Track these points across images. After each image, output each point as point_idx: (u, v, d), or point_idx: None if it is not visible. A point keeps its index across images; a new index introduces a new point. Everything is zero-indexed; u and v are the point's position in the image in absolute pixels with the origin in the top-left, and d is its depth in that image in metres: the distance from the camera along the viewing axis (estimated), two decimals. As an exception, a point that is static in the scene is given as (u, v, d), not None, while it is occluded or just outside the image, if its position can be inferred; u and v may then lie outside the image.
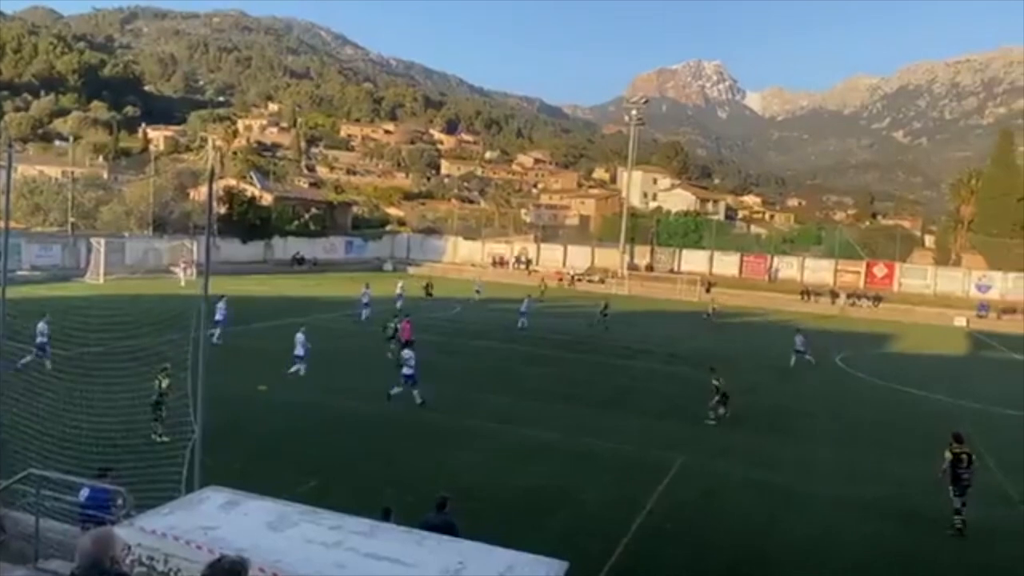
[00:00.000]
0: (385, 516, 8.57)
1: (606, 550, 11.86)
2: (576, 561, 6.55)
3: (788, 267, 69.17)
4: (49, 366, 18.71)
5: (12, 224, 36.97)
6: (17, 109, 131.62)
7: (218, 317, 26.93)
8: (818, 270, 67.91)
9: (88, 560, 3.93)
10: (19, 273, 40.67)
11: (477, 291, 49.40)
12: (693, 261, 71.22)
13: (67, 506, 9.62)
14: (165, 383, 15.81)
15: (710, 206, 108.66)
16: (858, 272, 66.39)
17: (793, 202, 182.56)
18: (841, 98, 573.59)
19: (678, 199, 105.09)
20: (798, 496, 15.17)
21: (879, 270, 66.07)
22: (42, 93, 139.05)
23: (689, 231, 77.68)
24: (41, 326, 20.76)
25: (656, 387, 25.28)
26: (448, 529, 8.82)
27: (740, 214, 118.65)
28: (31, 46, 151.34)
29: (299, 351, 22.71)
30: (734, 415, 20.73)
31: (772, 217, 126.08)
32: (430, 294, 44.59)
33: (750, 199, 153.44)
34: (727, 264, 70.73)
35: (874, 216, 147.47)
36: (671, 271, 69.64)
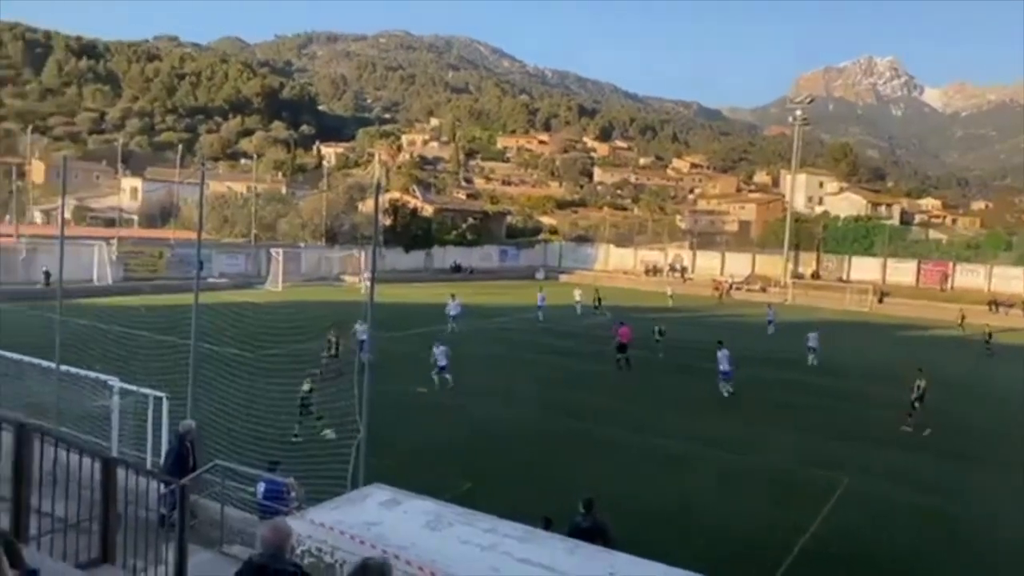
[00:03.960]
0: (546, 526, 8.54)
1: (766, 572, 11.34)
2: (733, 581, 6.31)
3: (973, 275, 63.40)
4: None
5: (204, 235, 40.62)
6: (210, 131, 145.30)
7: (453, 313, 34.06)
8: (1008, 279, 61.65)
9: (271, 548, 4.23)
10: (209, 280, 44.75)
11: (670, 296, 53.26)
12: (864, 269, 66.90)
13: (247, 496, 10.45)
14: (307, 387, 16.99)
15: (883, 210, 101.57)
16: (1058, 281, 59.71)
17: (978, 205, 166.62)
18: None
19: (847, 203, 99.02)
20: (979, 527, 13.82)
21: (1084, 279, 59.12)
22: (230, 116, 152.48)
23: (859, 237, 73.02)
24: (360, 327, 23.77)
25: (818, 402, 23.88)
26: (601, 532, 8.70)
27: (917, 219, 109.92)
28: (222, 73, 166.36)
29: (442, 361, 23.00)
30: (911, 439, 19.23)
31: (954, 221, 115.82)
32: (598, 306, 44.10)
33: (928, 202, 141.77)
34: (902, 272, 65.90)
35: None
36: (839, 280, 65.75)
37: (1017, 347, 40.97)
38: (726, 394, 23.31)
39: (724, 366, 23.62)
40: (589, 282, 63.34)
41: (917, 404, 20.45)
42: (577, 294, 45.63)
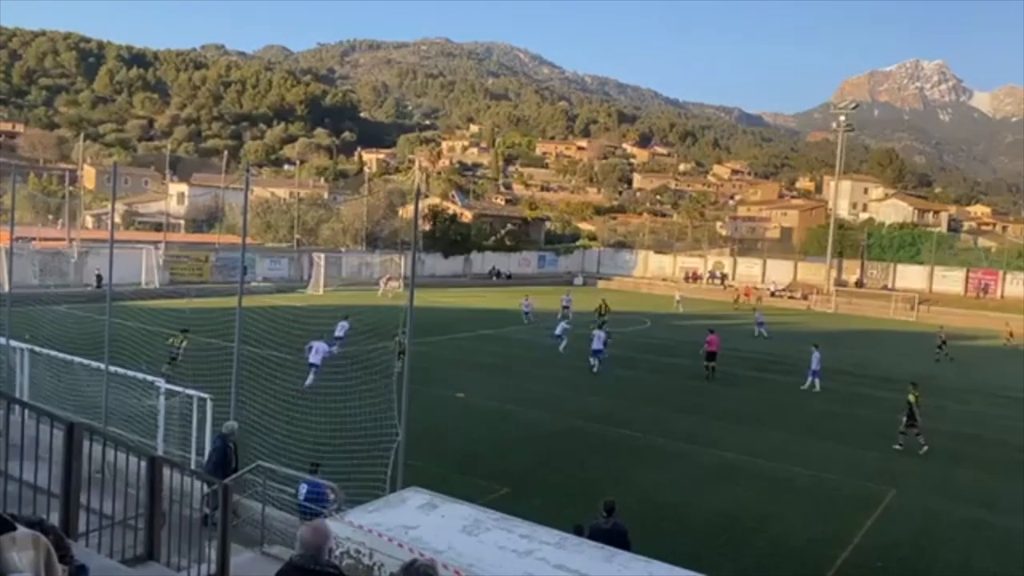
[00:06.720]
0: (578, 534, 8.57)
1: (807, 584, 11.15)
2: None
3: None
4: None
5: (248, 240, 41.36)
6: (254, 137, 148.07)
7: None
8: (1063, 288, 59.85)
9: (311, 550, 4.29)
10: (253, 284, 45.50)
11: (678, 301, 53.57)
12: (909, 277, 65.47)
13: (288, 497, 10.60)
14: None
15: (930, 217, 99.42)
16: (1116, 291, 57.79)
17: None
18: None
19: (892, 210, 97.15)
20: (1035, 543, 13.41)
21: None
22: (274, 123, 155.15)
23: (905, 244, 71.45)
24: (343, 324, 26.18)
25: (863, 413, 23.42)
26: (620, 536, 8.71)
27: (965, 226, 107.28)
28: (267, 81, 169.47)
29: (314, 359, 21.00)
30: (959, 450, 18.74)
31: (1004, 229, 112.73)
32: (603, 313, 43.44)
33: (978, 209, 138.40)
34: (950, 281, 64.32)
35: None
36: (884, 288, 64.45)
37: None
38: (594, 370, 26.13)
39: (596, 344, 26.66)
40: (631, 288, 63.03)
41: (905, 419, 18.86)
42: (564, 299, 43.16)
